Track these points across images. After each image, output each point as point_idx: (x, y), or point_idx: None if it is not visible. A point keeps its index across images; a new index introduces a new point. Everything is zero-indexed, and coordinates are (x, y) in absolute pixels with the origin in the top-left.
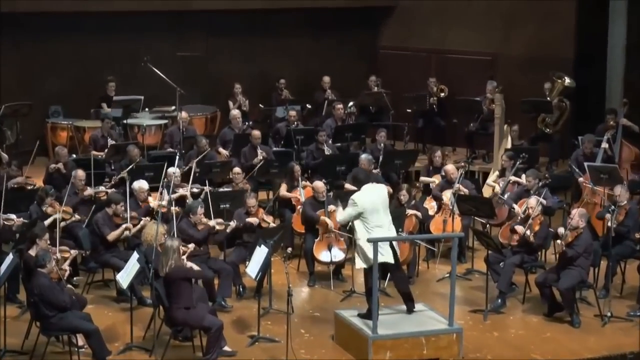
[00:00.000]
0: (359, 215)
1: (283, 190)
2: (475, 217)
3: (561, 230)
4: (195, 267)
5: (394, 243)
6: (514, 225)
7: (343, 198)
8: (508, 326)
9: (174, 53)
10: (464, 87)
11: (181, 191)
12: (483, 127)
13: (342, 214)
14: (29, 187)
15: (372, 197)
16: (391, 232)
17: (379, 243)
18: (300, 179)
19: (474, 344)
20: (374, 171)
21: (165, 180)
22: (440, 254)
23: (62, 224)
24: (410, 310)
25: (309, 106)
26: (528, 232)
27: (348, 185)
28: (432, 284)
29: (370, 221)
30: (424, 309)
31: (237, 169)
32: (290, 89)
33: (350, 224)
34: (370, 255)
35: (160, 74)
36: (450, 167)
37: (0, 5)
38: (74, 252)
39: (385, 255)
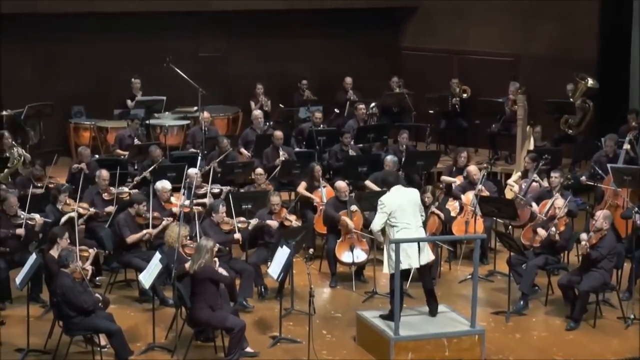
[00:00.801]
0: (388, 217)
1: (301, 188)
2: (498, 219)
3: (583, 235)
4: (221, 274)
5: (424, 246)
6: (537, 228)
7: (365, 199)
8: (530, 328)
9: (195, 53)
10: (486, 88)
11: (202, 193)
12: (505, 128)
13: (374, 222)
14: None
15: (400, 198)
16: (419, 234)
17: (405, 246)
18: (321, 179)
19: (496, 345)
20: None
21: (187, 180)
22: (463, 256)
23: (80, 220)
24: (433, 313)
25: (337, 111)
26: (554, 230)
27: (369, 183)
28: (454, 286)
29: (397, 222)
30: (446, 311)
31: (259, 170)
32: (312, 90)
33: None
34: (409, 255)
35: (183, 75)
36: (472, 168)
37: (23, 6)
38: (92, 250)
39: (412, 258)
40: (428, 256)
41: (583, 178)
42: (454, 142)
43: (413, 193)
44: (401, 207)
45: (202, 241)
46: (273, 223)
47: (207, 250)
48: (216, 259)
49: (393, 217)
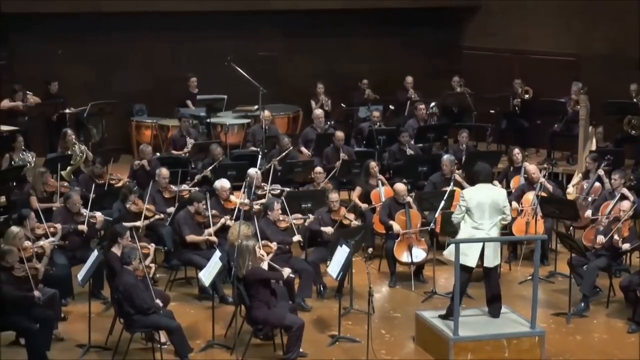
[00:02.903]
0: (466, 211)
1: (356, 194)
2: (559, 219)
3: (626, 246)
4: (272, 272)
5: (494, 248)
6: (597, 236)
7: (424, 199)
8: (591, 330)
9: (255, 53)
10: (547, 88)
11: (262, 193)
12: (567, 128)
13: (454, 214)
14: (113, 183)
15: (481, 196)
16: (491, 235)
17: (465, 245)
18: (378, 175)
19: (556, 347)
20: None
21: (247, 179)
22: (523, 256)
23: (145, 222)
24: (495, 314)
25: (392, 107)
26: (616, 237)
27: (458, 177)
28: (514, 286)
29: (472, 219)
30: (506, 311)
31: (318, 169)
32: (373, 89)
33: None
34: (467, 254)
35: (244, 74)
36: (531, 167)
37: (86, 5)
38: (152, 246)
39: (470, 257)
40: (494, 259)
41: None
42: (514, 142)
43: (497, 194)
44: (479, 206)
45: (242, 243)
46: (328, 229)
47: (249, 251)
48: (264, 253)
49: (469, 214)
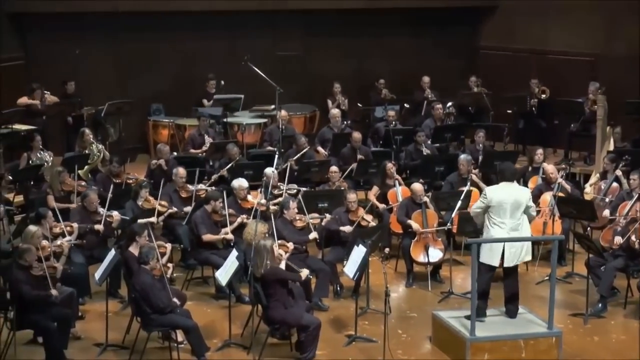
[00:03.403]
0: (486, 209)
1: (373, 194)
2: (576, 220)
3: None
4: (291, 273)
5: (516, 248)
6: (615, 236)
7: (441, 199)
8: (609, 331)
9: (272, 52)
10: (565, 88)
11: (279, 193)
12: (585, 128)
13: (473, 205)
14: (130, 182)
15: (503, 195)
16: (512, 235)
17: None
18: (395, 175)
19: (574, 348)
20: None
21: (264, 179)
22: (540, 257)
23: (160, 218)
24: (512, 315)
25: (407, 105)
26: (633, 238)
27: (474, 177)
28: (532, 287)
29: (493, 217)
30: (523, 312)
31: (333, 168)
32: (390, 89)
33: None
34: (488, 253)
35: (261, 73)
36: (549, 167)
37: (104, 5)
38: (169, 245)
39: (494, 255)
40: (515, 259)
41: None
42: (532, 142)
43: (520, 193)
44: (501, 205)
45: (260, 242)
46: (347, 228)
47: (267, 250)
48: (282, 252)
49: (490, 212)
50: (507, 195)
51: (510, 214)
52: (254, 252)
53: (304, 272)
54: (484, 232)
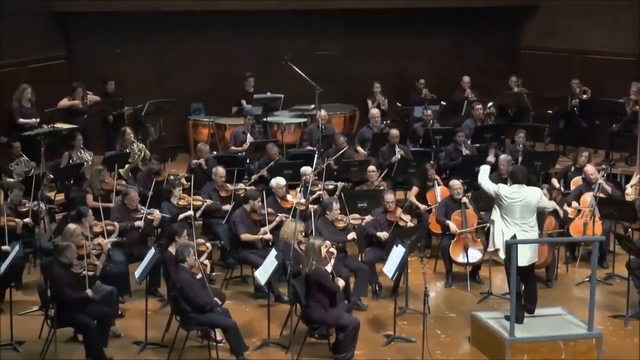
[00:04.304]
0: (493, 194)
1: (412, 194)
2: (617, 221)
3: None
4: (331, 281)
5: (530, 247)
6: None
7: (481, 199)
8: None
9: (312, 52)
10: (606, 88)
11: (317, 191)
12: (626, 129)
13: (484, 178)
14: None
15: (514, 196)
16: (526, 235)
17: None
18: (434, 176)
19: (614, 349)
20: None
21: (304, 179)
22: (580, 258)
23: (198, 213)
24: (528, 311)
25: (443, 103)
26: None
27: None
28: (572, 288)
29: (505, 217)
30: (562, 313)
31: (371, 167)
32: (430, 89)
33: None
34: (496, 239)
35: (301, 73)
36: (590, 168)
37: (144, 5)
38: (209, 244)
39: (519, 257)
40: (529, 258)
41: None
42: (572, 142)
43: (531, 195)
44: (510, 206)
45: (310, 241)
46: (383, 234)
47: (314, 250)
48: (333, 250)
49: (503, 212)
50: (518, 197)
51: (520, 215)
52: (305, 249)
53: (341, 283)
54: (495, 220)
